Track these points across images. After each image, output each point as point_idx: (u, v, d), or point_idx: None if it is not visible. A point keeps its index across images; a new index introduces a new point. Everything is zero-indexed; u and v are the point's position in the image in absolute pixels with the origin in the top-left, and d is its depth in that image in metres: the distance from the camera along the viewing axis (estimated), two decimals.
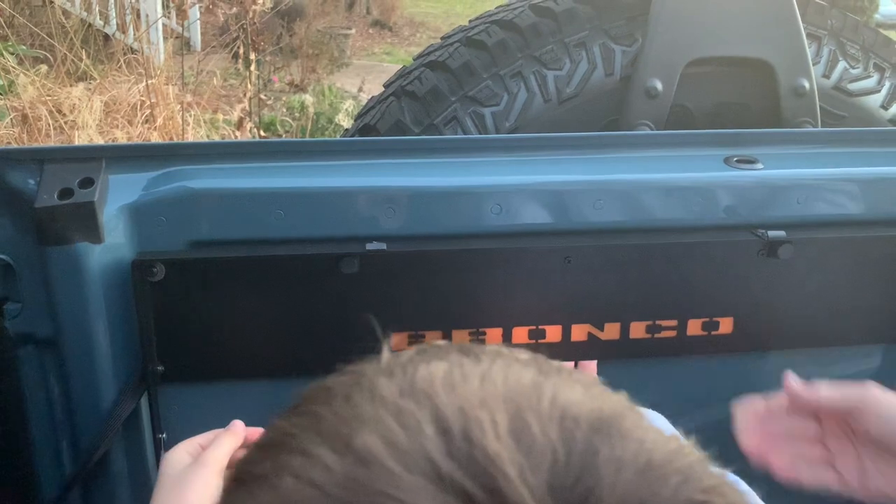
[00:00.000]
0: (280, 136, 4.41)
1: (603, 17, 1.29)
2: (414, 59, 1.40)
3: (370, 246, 0.93)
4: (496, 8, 1.41)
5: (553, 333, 1.00)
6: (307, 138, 3.71)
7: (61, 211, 0.86)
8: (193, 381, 0.97)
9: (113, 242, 0.90)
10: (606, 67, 1.26)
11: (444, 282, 0.96)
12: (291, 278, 0.93)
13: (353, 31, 8.03)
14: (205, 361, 0.96)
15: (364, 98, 5.14)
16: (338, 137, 3.68)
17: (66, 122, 3.34)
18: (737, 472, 0.84)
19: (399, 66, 1.54)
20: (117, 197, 0.90)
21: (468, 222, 0.96)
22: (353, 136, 1.40)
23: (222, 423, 0.97)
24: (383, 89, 1.41)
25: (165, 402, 0.97)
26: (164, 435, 0.97)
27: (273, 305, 0.94)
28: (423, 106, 1.26)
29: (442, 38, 1.41)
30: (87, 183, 0.88)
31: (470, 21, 1.43)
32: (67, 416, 0.97)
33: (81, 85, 3.63)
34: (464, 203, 0.96)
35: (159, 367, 0.94)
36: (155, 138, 3.47)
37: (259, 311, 0.94)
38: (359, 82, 5.88)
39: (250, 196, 0.92)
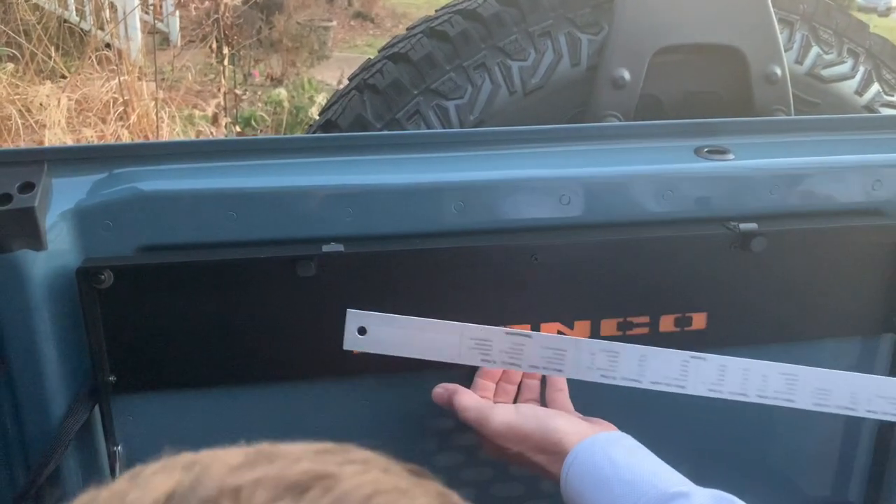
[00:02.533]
0: (256, 131, 4.36)
1: (568, 5, 1.25)
2: (378, 51, 1.36)
3: (327, 247, 0.89)
4: None
5: None
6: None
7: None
8: (147, 391, 0.94)
9: (57, 249, 0.86)
10: (572, 57, 1.23)
11: (405, 283, 0.93)
12: (246, 283, 0.90)
13: (335, 23, 7.96)
14: (158, 371, 0.92)
15: None
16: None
17: (35, 122, 3.29)
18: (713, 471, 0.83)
19: None
20: (60, 201, 0.86)
21: (430, 221, 0.93)
22: (315, 131, 1.36)
23: (178, 433, 0.94)
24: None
25: (119, 413, 0.93)
26: (118, 447, 0.94)
27: (227, 311, 0.91)
28: (385, 100, 1.23)
29: (407, 29, 1.37)
30: (28, 187, 0.84)
31: (436, 11, 1.39)
32: (17, 430, 0.93)
33: (49, 83, 3.57)
34: (425, 201, 0.93)
35: (111, 378, 0.91)
36: (127, 136, 3.42)
37: (213, 318, 0.91)
38: (339, 75, 5.83)
39: (201, 198, 0.89)
